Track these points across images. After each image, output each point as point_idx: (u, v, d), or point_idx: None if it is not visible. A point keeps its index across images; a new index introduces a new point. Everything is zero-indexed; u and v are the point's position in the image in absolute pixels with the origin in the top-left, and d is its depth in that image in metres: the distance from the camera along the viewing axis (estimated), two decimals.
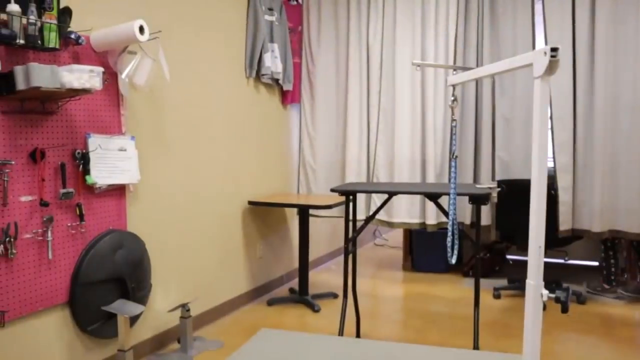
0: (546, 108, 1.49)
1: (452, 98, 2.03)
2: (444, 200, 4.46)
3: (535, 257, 1.53)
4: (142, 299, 3.06)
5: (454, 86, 2.01)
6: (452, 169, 2.14)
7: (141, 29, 2.74)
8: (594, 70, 4.15)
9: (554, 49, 1.43)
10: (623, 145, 4.08)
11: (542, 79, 1.49)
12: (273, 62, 4.45)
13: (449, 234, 2.07)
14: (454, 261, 2.06)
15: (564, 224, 4.14)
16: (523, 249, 4.43)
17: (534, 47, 4.34)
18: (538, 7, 4.45)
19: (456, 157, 2.13)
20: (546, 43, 4.25)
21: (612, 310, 4.05)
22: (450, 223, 2.12)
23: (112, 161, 2.88)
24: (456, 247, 2.05)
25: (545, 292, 1.50)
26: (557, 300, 3.91)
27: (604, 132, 4.11)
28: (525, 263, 5.27)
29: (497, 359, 2.13)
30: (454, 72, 2.06)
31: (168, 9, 3.36)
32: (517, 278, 4.72)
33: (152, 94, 3.24)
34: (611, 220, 4.12)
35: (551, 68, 1.46)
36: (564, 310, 3.90)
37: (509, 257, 5.39)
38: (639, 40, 4.00)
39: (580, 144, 4.20)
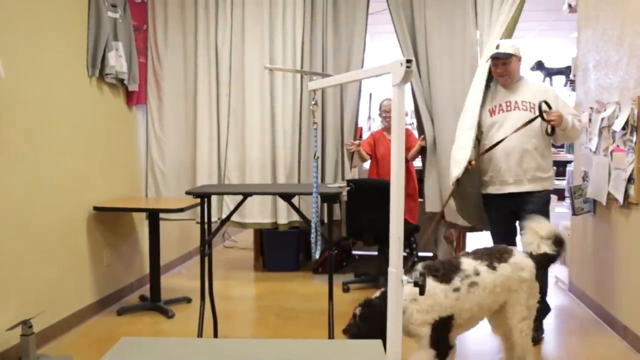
0: (402, 112, 1.65)
1: (313, 102, 2.15)
2: (295, 200, 4.61)
3: (396, 247, 1.67)
4: None
5: (314, 91, 2.13)
6: (314, 170, 2.26)
7: None
8: (430, 78, 4.53)
9: (409, 61, 1.60)
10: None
11: (398, 87, 1.65)
12: (118, 61, 4.26)
13: (313, 230, 2.20)
14: (317, 256, 2.19)
15: None
16: (369, 244, 4.75)
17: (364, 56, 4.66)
18: (376, 17, 4.81)
19: (317, 157, 2.25)
20: (403, 54, 4.52)
21: None
22: (313, 220, 2.24)
23: None
24: (319, 243, 2.18)
25: (405, 277, 1.66)
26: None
27: (442, 133, 4.48)
28: (369, 257, 5.63)
29: (355, 345, 2.28)
30: (314, 78, 2.17)
31: (2, 0, 3.07)
32: (363, 272, 5.03)
33: None
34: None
35: (406, 77, 1.63)
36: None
37: (354, 252, 5.72)
38: (465, 51, 4.44)
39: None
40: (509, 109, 3.56)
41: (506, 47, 3.51)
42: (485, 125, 3.63)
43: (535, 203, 3.48)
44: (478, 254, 2.73)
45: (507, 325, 2.77)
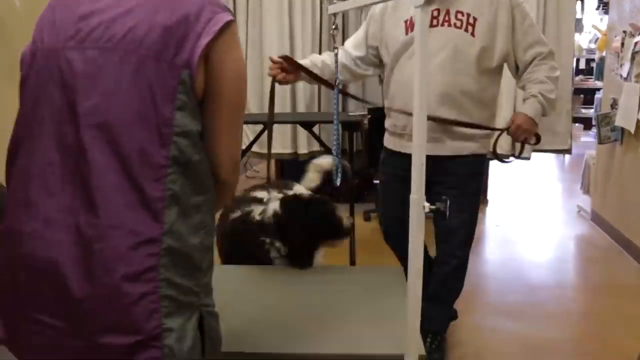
0: (426, 36, 1.59)
1: (333, 26, 2.07)
2: (316, 129, 4.58)
3: (418, 173, 1.65)
4: None
5: (334, 15, 2.05)
6: (335, 97, 2.22)
7: None
8: None
9: None
10: None
11: (422, 9, 1.57)
12: None
13: (334, 158, 2.19)
14: (338, 184, 2.19)
15: None
16: None
17: None
18: None
19: (338, 84, 2.20)
20: None
21: None
22: (334, 149, 2.22)
23: None
24: (340, 171, 2.17)
25: (427, 204, 1.64)
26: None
27: None
28: None
29: (376, 271, 2.32)
30: (334, 1, 2.09)
31: None
32: None
33: None
34: None
35: None
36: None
37: (376, 181, 5.72)
38: None
39: None
40: (435, 23, 2.15)
41: None
42: (394, 47, 2.26)
43: (458, 175, 2.25)
44: (267, 186, 2.41)
45: None
